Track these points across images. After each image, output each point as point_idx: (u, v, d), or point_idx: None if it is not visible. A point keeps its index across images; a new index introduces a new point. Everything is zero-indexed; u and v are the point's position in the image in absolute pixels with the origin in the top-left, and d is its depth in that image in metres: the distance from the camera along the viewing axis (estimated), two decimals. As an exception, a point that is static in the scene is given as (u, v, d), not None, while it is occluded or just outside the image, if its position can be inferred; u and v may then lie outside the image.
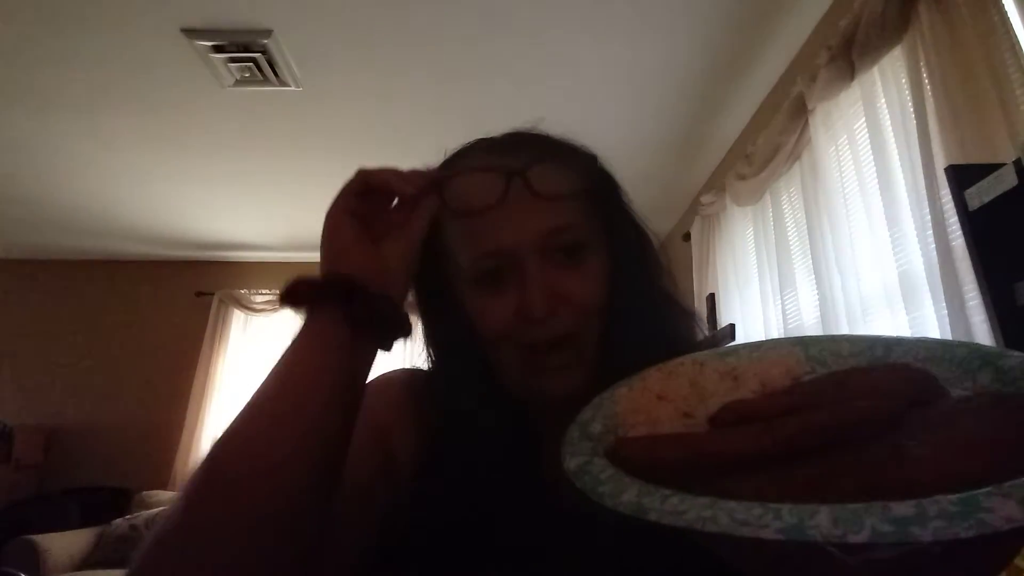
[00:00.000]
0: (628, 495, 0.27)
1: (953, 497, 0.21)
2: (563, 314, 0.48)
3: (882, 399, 0.30)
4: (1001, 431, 0.27)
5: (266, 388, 0.39)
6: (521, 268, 0.48)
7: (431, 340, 0.57)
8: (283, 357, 0.41)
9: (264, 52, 2.17)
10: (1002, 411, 0.29)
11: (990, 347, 0.37)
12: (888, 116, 1.62)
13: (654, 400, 0.38)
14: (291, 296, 0.43)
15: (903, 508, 0.21)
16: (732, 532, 0.22)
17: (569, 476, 0.31)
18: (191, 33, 2.08)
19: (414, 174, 0.49)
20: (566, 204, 0.50)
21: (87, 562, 3.09)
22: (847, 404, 0.29)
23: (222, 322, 4.29)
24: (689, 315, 0.58)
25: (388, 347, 0.45)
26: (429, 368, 0.57)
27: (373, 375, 0.56)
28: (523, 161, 0.49)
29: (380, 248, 0.47)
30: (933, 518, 0.21)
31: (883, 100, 1.64)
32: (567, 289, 0.48)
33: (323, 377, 0.40)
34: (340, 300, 0.42)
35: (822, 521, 0.21)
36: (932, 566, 0.26)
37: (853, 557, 0.28)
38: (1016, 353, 0.35)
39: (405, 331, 0.46)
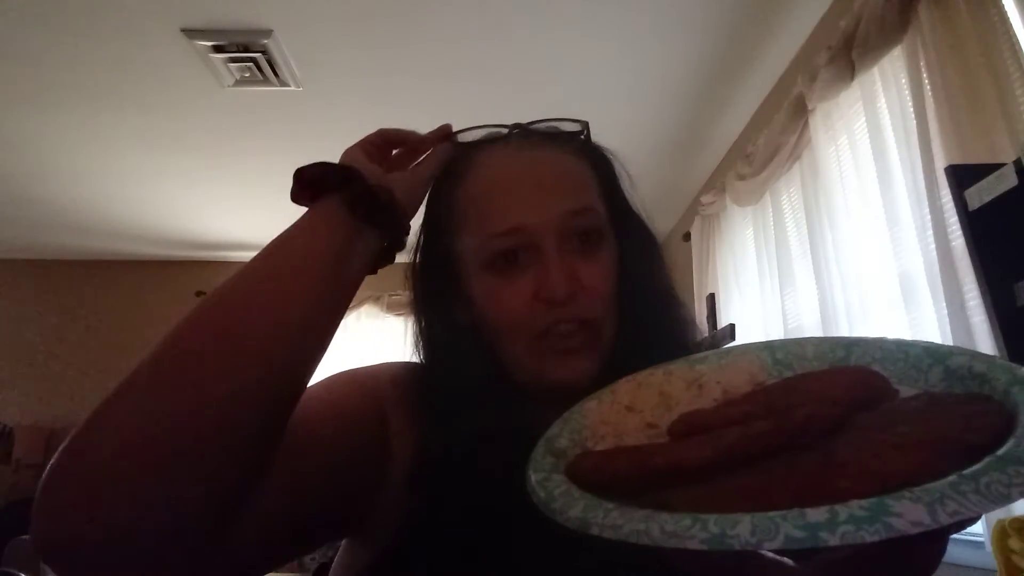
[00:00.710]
0: (575, 510, 0.28)
1: (864, 502, 0.22)
2: (581, 300, 0.47)
3: (824, 405, 0.30)
4: (932, 431, 0.27)
5: (261, 253, 0.40)
6: (539, 250, 0.47)
7: (428, 333, 0.56)
8: (281, 233, 0.42)
9: (264, 52, 2.17)
10: (937, 411, 0.29)
11: (942, 346, 0.37)
12: (888, 116, 1.62)
13: (623, 411, 0.38)
14: (297, 183, 0.45)
15: (817, 514, 0.22)
16: (662, 544, 0.23)
17: (529, 491, 0.31)
18: (191, 33, 2.07)
19: (429, 132, 0.53)
20: (582, 188, 0.51)
21: (87, 562, 3.08)
22: (788, 412, 0.29)
23: (222, 322, 4.29)
24: (689, 314, 0.58)
25: (388, 254, 0.47)
26: (425, 364, 0.56)
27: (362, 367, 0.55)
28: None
29: (390, 176, 0.48)
30: (843, 523, 0.21)
31: (883, 100, 1.64)
32: (584, 276, 0.48)
33: (318, 248, 0.41)
34: (340, 184, 0.43)
35: (742, 530, 0.22)
36: (878, 566, 0.26)
37: (805, 562, 0.28)
38: (965, 350, 0.36)
39: (403, 229, 0.47)
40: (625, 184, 0.57)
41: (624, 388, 0.40)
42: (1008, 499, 0.21)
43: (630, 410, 0.38)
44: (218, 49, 2.15)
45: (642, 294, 0.52)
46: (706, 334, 2.51)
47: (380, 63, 2.26)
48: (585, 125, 0.55)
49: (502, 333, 0.50)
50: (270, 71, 2.27)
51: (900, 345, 0.38)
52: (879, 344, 0.39)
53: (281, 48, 2.16)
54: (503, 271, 0.48)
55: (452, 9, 2.00)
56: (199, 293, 4.32)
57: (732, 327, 2.51)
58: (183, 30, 2.07)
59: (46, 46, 2.16)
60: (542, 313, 0.47)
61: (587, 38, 2.15)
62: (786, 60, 2.23)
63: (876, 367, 0.37)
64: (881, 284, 1.65)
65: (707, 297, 2.78)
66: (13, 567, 2.78)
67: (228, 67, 2.25)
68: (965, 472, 0.23)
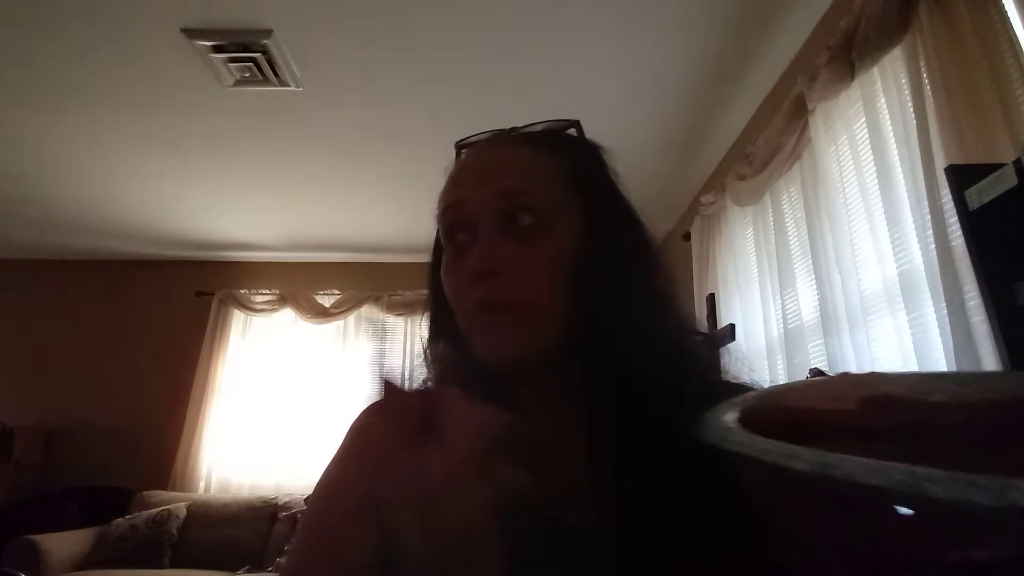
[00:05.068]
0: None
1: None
2: (500, 282, 0.47)
3: None
4: None
5: None
6: (476, 229, 0.49)
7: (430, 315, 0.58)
8: None
9: (264, 52, 2.17)
10: None
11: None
12: (888, 116, 1.62)
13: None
14: None
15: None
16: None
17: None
18: (191, 33, 2.08)
19: None
20: (525, 173, 0.51)
21: (87, 562, 3.08)
22: None
23: (222, 322, 4.29)
24: (679, 311, 0.54)
25: None
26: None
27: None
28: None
29: None
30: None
31: (883, 100, 1.64)
32: (509, 258, 0.47)
33: None
34: None
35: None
36: None
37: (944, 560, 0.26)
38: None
39: None
40: (610, 175, 0.56)
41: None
42: None
43: None
44: (218, 49, 2.15)
45: (607, 285, 0.49)
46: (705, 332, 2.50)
47: (380, 64, 2.26)
48: (571, 124, 0.57)
49: (454, 309, 0.52)
50: (270, 71, 2.27)
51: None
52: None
53: (281, 48, 2.16)
54: (458, 250, 0.51)
55: (452, 10, 2.00)
56: (199, 293, 4.32)
57: (732, 327, 2.51)
58: (183, 30, 2.07)
59: (46, 47, 2.16)
60: (472, 289, 0.48)
61: (587, 39, 2.15)
62: (786, 60, 2.23)
63: None
64: (881, 284, 1.65)
65: (707, 297, 2.78)
66: (13, 567, 2.78)
67: (228, 67, 2.25)
68: None
